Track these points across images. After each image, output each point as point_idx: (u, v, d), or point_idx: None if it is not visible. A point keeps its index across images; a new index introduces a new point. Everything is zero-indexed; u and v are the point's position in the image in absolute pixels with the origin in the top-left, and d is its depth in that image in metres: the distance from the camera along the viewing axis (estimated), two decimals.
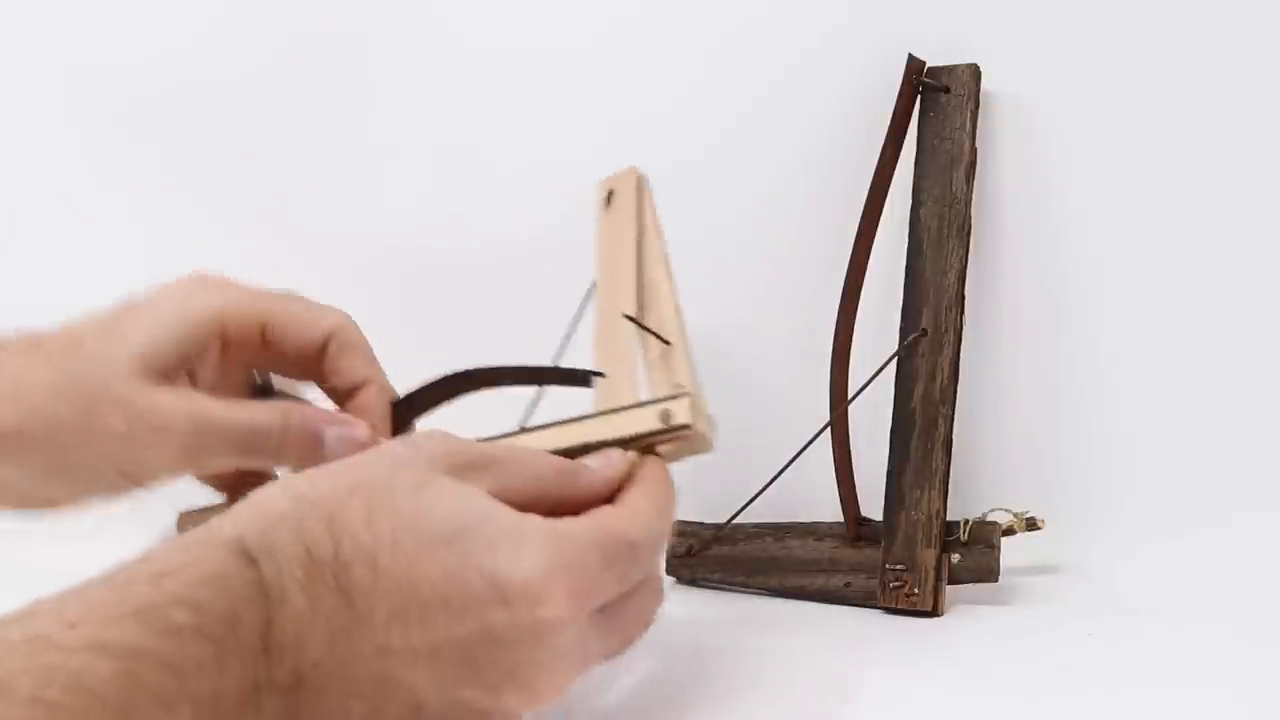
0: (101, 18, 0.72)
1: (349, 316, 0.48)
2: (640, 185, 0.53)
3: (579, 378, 0.50)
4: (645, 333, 0.50)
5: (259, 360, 0.47)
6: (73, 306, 0.43)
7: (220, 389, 0.46)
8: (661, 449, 0.46)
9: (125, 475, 0.43)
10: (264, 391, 0.50)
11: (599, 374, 0.50)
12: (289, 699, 0.33)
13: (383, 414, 0.48)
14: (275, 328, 0.46)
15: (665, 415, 0.45)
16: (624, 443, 0.46)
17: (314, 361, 0.47)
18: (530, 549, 0.35)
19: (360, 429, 0.46)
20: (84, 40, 0.73)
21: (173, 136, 0.72)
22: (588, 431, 0.47)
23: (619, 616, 0.39)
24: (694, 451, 0.48)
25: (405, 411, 0.50)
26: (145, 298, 0.45)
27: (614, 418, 0.46)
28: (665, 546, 0.42)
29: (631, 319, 0.51)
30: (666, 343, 0.50)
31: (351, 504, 0.35)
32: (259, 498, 0.35)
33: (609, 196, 0.54)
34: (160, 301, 0.44)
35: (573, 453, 0.45)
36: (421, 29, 0.71)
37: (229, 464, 0.44)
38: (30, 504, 0.44)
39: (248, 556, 0.32)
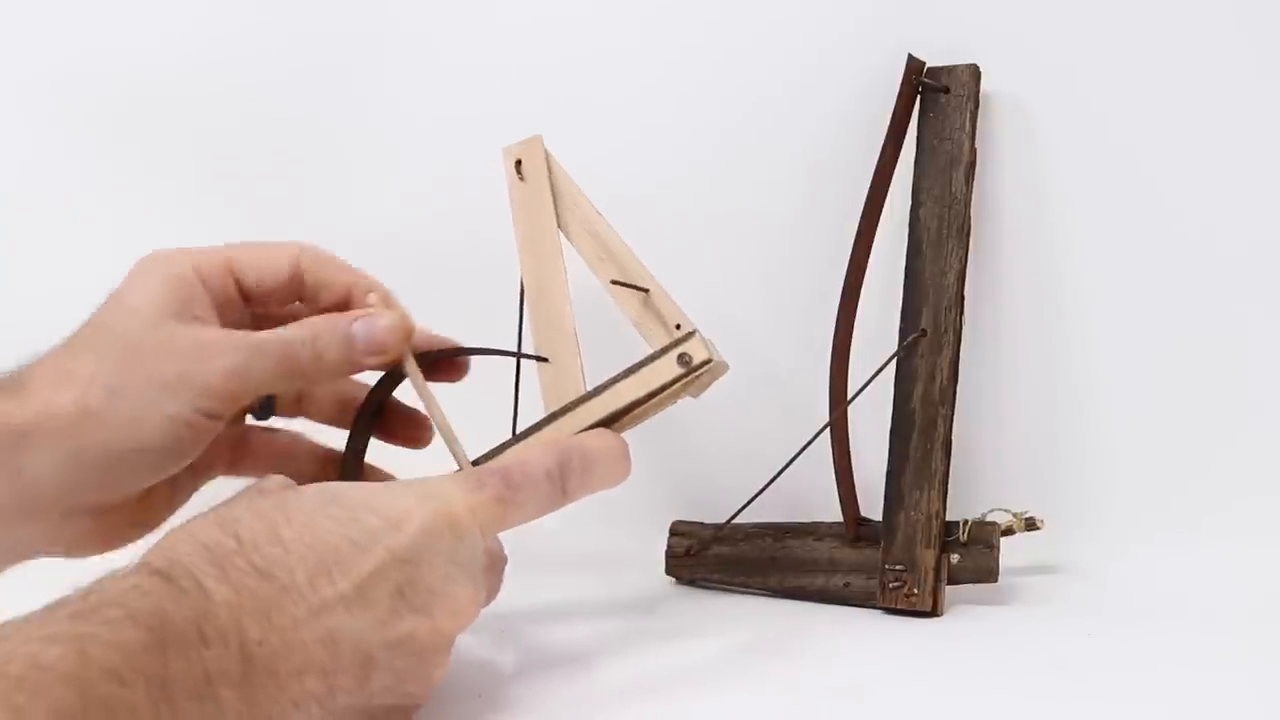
0: (94, 19, 0.72)
1: (310, 243, 0.49)
2: (547, 154, 0.54)
3: (522, 356, 0.52)
4: (621, 288, 0.51)
5: (241, 308, 0.48)
6: (68, 306, 0.43)
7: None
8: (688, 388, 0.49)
9: (177, 418, 0.43)
10: (265, 410, 0.52)
11: (543, 358, 0.51)
12: (244, 690, 0.35)
13: (384, 301, 0.48)
14: (240, 265, 0.47)
15: (685, 359, 0.48)
16: (653, 395, 0.48)
17: (292, 291, 0.48)
18: (394, 488, 0.42)
19: (382, 316, 0.47)
20: (77, 42, 0.72)
21: (165, 138, 0.72)
22: (616, 397, 0.48)
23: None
24: (714, 379, 0.50)
25: (368, 420, 0.51)
26: (121, 283, 0.46)
27: (635, 377, 0.48)
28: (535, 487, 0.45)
29: (616, 281, 0.52)
30: (645, 290, 0.51)
31: (233, 507, 0.39)
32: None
33: (518, 165, 0.54)
34: (137, 273, 0.46)
35: (608, 420, 0.48)
36: (421, 31, 0.70)
37: (275, 385, 0.46)
38: (83, 499, 0.44)
39: (158, 572, 0.35)
